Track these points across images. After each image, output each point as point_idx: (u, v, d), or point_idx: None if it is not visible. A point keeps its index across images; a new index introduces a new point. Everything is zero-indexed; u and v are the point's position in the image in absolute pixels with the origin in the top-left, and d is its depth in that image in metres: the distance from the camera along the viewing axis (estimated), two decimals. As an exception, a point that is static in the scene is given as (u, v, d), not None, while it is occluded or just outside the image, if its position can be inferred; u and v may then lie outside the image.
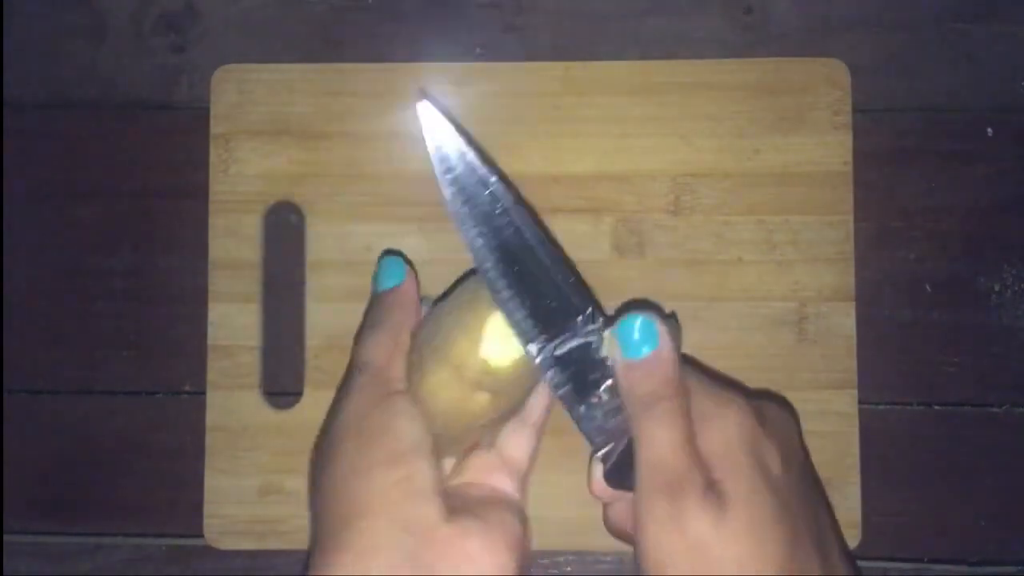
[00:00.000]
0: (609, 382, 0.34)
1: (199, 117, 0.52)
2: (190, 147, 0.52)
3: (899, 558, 0.50)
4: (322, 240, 0.51)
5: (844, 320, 0.50)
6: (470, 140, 0.35)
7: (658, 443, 0.32)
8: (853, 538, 0.48)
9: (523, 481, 0.38)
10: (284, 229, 0.52)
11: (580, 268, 0.50)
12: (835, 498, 0.48)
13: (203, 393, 0.50)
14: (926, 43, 0.52)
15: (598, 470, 0.35)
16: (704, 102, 0.51)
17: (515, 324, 0.34)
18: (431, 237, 0.50)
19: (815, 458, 0.48)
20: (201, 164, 0.51)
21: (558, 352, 0.34)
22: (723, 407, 0.33)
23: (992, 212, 0.51)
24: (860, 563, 0.49)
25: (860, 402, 0.49)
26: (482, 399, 0.35)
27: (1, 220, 0.53)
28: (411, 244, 0.50)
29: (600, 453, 0.35)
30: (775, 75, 0.51)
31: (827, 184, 0.50)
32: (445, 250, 0.50)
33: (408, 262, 0.41)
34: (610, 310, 0.49)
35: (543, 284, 0.34)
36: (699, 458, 0.32)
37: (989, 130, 0.52)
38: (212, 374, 0.50)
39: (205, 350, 0.50)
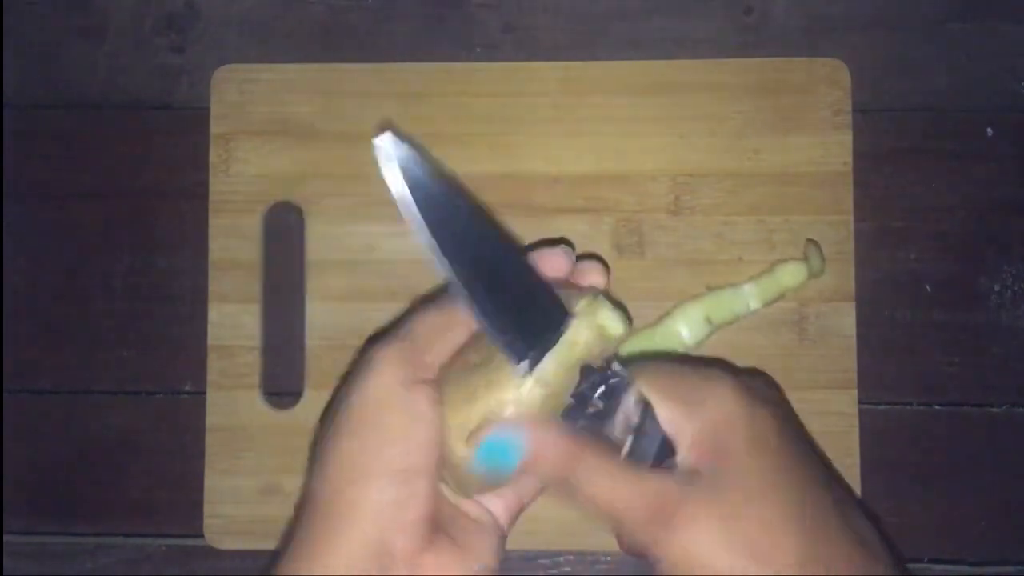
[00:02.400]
0: (603, 388, 0.33)
1: (199, 117, 0.52)
2: (190, 147, 0.52)
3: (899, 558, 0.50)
4: (322, 240, 0.51)
5: (844, 320, 0.50)
6: (436, 164, 0.33)
7: (605, 498, 0.32)
8: (853, 538, 0.48)
9: (517, 510, 0.37)
10: (284, 229, 0.52)
11: (580, 268, 0.50)
12: (835, 498, 0.48)
13: (203, 393, 0.50)
14: (926, 43, 0.52)
15: None
16: (704, 102, 0.51)
17: (504, 343, 0.32)
18: (431, 237, 0.50)
19: (815, 458, 0.49)
20: (201, 164, 0.51)
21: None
22: (715, 383, 0.33)
23: (992, 212, 0.51)
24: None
25: (860, 402, 0.49)
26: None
27: (1, 220, 0.53)
28: (411, 244, 0.50)
29: None
30: (775, 75, 0.51)
31: (827, 184, 0.50)
32: (445, 250, 0.50)
33: None
34: (610, 310, 0.49)
35: (526, 299, 0.33)
36: (650, 469, 0.32)
37: (989, 130, 0.52)
38: (212, 374, 0.50)
39: (205, 350, 0.50)
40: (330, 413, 0.35)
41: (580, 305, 0.33)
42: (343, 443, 0.33)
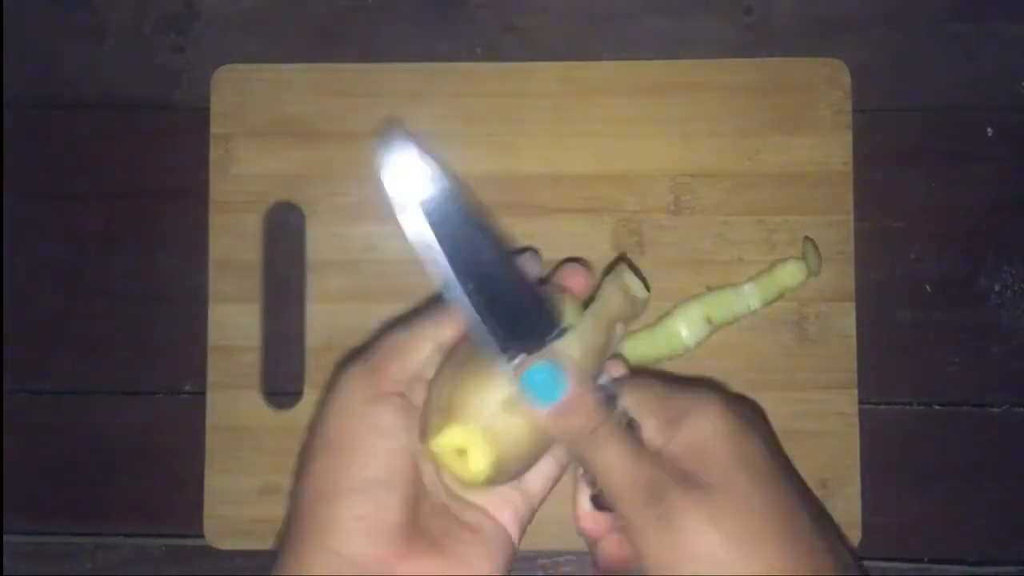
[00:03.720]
0: None
1: (199, 117, 0.52)
2: (190, 147, 0.52)
3: (899, 558, 0.50)
4: (322, 240, 0.51)
5: (844, 320, 0.50)
6: (444, 167, 0.33)
7: (617, 465, 0.32)
8: (853, 538, 0.48)
9: (527, 514, 0.37)
10: (284, 229, 0.52)
11: (580, 268, 0.50)
12: (835, 498, 0.48)
13: (203, 393, 0.50)
14: (926, 43, 0.52)
15: (584, 498, 0.35)
16: (704, 102, 0.51)
17: (495, 338, 0.33)
18: (431, 237, 0.50)
19: (815, 458, 0.49)
20: (201, 164, 0.51)
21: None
22: (701, 401, 0.33)
23: (992, 212, 0.51)
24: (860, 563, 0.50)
25: (860, 402, 0.49)
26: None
27: (1, 220, 0.53)
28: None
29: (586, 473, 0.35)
30: (775, 75, 0.51)
31: (827, 184, 0.50)
32: (445, 250, 0.50)
33: None
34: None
35: (515, 300, 0.33)
36: (658, 457, 0.32)
37: (989, 130, 0.52)
38: (212, 374, 0.50)
39: (205, 350, 0.50)
40: (308, 435, 0.36)
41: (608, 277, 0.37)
42: (315, 464, 0.34)
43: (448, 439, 0.33)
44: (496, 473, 0.33)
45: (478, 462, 0.33)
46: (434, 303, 0.36)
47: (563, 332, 0.34)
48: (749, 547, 0.30)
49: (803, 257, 0.48)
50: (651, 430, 0.33)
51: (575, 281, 0.37)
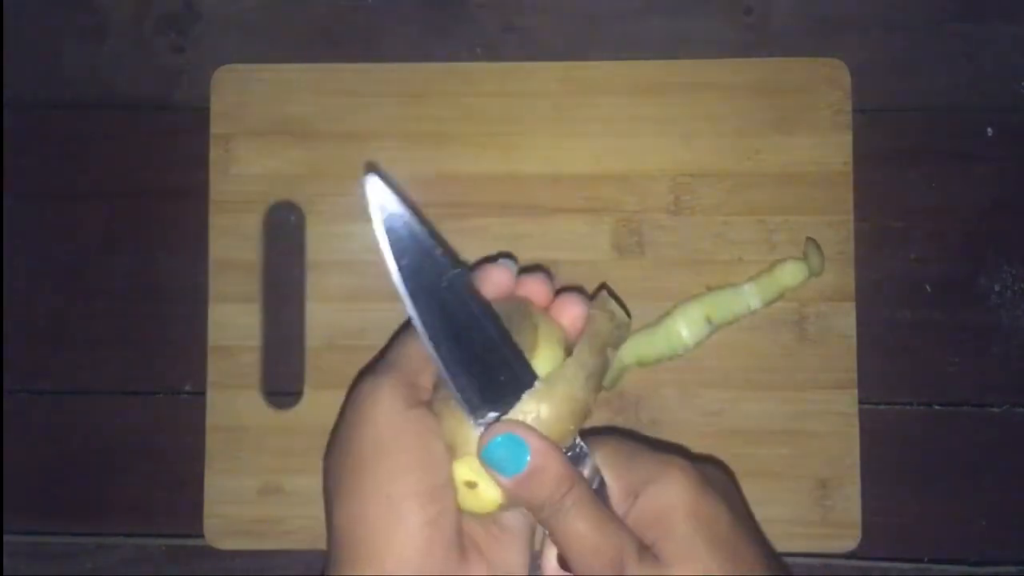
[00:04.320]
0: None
1: (199, 117, 0.52)
2: (190, 147, 0.52)
3: (899, 558, 0.50)
4: (322, 240, 0.51)
5: (844, 320, 0.50)
6: (416, 213, 0.34)
7: (580, 534, 0.32)
8: (853, 538, 0.48)
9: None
10: (284, 229, 0.52)
11: (580, 268, 0.50)
12: (835, 498, 0.49)
13: (203, 393, 0.50)
14: (926, 43, 0.52)
15: (551, 554, 0.35)
16: (704, 102, 0.51)
17: (465, 398, 0.33)
18: (431, 237, 0.50)
19: (815, 458, 0.49)
20: (201, 164, 0.51)
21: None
22: (665, 467, 0.33)
23: (992, 212, 0.51)
24: (860, 563, 0.50)
25: (860, 402, 0.49)
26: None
27: (1, 220, 0.53)
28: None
29: None
30: (775, 75, 0.51)
31: (827, 184, 0.50)
32: (445, 250, 0.50)
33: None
34: (610, 310, 0.49)
35: (490, 357, 0.33)
36: (623, 525, 0.32)
37: (989, 130, 0.52)
38: (212, 374, 0.50)
39: (205, 350, 0.50)
40: (339, 451, 0.35)
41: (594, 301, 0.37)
42: (366, 475, 0.33)
43: (455, 474, 0.33)
44: (509, 500, 0.33)
45: (489, 492, 0.33)
46: None
47: (535, 388, 0.33)
48: None
49: (805, 257, 0.48)
50: (616, 493, 0.34)
51: (572, 312, 0.36)
